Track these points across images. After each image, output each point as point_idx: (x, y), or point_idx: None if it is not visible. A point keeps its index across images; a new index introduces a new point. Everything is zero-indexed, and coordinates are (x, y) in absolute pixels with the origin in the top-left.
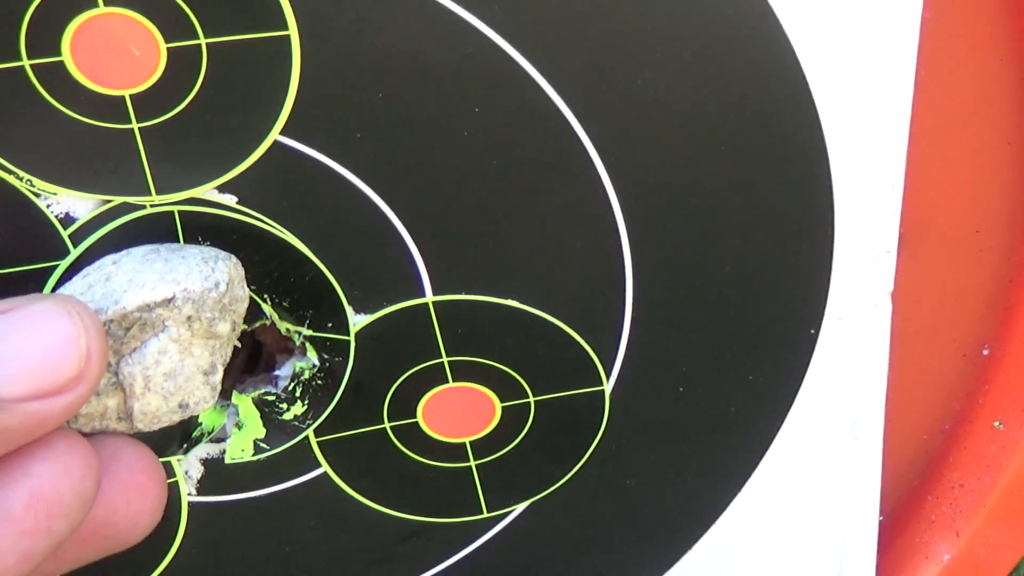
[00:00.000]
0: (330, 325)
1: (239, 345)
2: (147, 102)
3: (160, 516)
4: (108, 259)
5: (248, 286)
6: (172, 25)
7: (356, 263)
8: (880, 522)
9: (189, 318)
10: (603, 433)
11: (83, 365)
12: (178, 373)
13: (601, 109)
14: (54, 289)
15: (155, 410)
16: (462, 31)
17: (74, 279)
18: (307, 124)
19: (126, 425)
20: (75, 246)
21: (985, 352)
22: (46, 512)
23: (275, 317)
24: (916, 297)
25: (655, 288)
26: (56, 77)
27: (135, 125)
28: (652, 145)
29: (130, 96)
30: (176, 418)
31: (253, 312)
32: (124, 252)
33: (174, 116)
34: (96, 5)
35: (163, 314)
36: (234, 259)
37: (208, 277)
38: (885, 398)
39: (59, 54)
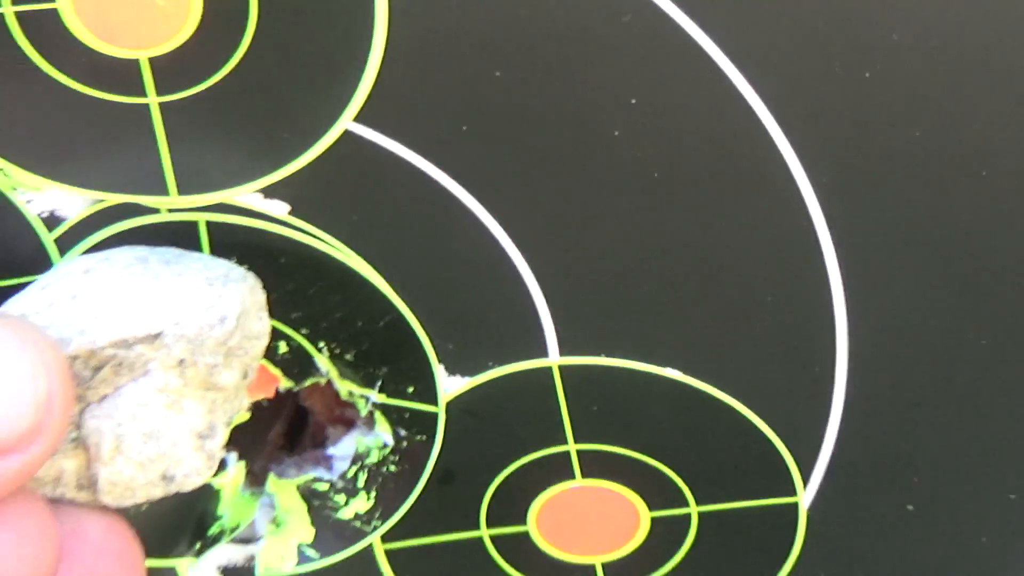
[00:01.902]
0: (411, 390)
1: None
2: (171, 68)
3: None
4: (78, 265)
5: (299, 329)
6: None
7: (451, 306)
8: None
9: (182, 362)
10: (796, 559)
11: (41, 415)
12: (162, 434)
13: (813, 116)
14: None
15: (128, 480)
16: None
17: (31, 289)
18: (391, 108)
19: (87, 495)
20: (61, 255)
21: None
22: None
23: (333, 374)
24: None
25: (875, 372)
26: (48, 30)
27: (152, 99)
28: (890, 186)
29: (148, 60)
30: (157, 493)
31: (302, 365)
32: (102, 256)
33: (207, 89)
34: None
35: (146, 354)
36: (251, 279)
37: (211, 307)
38: None
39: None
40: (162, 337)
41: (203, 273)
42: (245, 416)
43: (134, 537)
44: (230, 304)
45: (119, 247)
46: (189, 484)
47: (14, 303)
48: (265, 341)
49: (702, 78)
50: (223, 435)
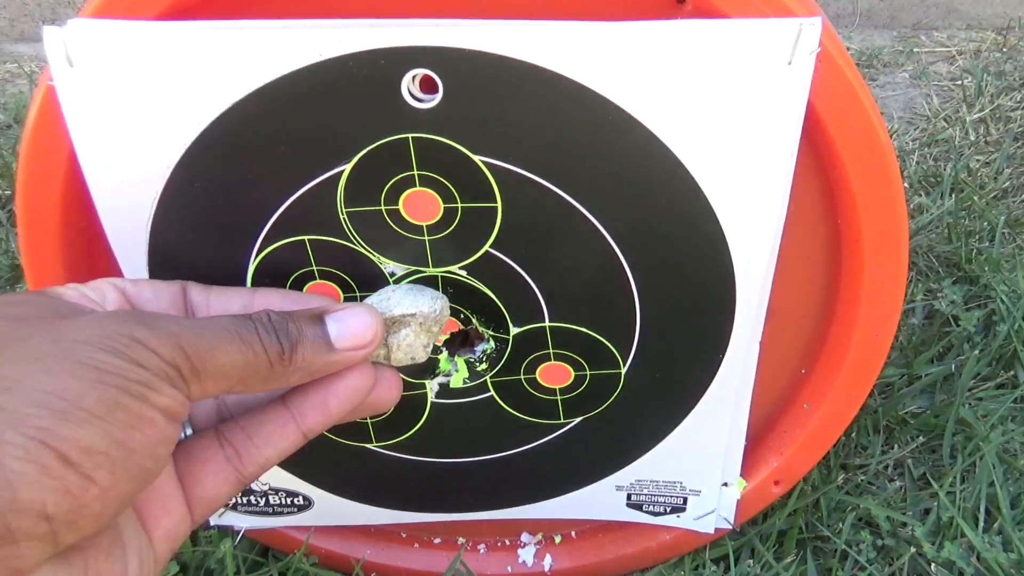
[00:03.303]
0: (501, 330)
1: (458, 331)
2: (433, 230)
3: (395, 403)
4: (389, 288)
5: (467, 310)
6: (449, 198)
7: (515, 302)
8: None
9: (420, 323)
10: (618, 392)
11: (375, 337)
12: (412, 345)
13: (628, 233)
14: (361, 291)
15: (400, 358)
16: (560, 204)
17: (373, 296)
18: (505, 245)
19: (387, 362)
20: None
21: (803, 371)
22: (349, 397)
23: (478, 324)
24: (767, 343)
25: (650, 318)
26: (394, 215)
27: (426, 238)
28: (651, 248)
29: (426, 227)
30: (408, 363)
31: (468, 321)
32: (397, 287)
33: (444, 235)
34: (415, 185)
35: (410, 319)
36: (445, 299)
37: (432, 306)
38: (753, 385)
39: (397, 205)
40: (416, 315)
41: (431, 294)
42: (448, 337)
43: (400, 377)
44: (438, 306)
45: (404, 283)
46: (419, 360)
47: (369, 298)
48: (447, 318)
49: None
50: (431, 345)
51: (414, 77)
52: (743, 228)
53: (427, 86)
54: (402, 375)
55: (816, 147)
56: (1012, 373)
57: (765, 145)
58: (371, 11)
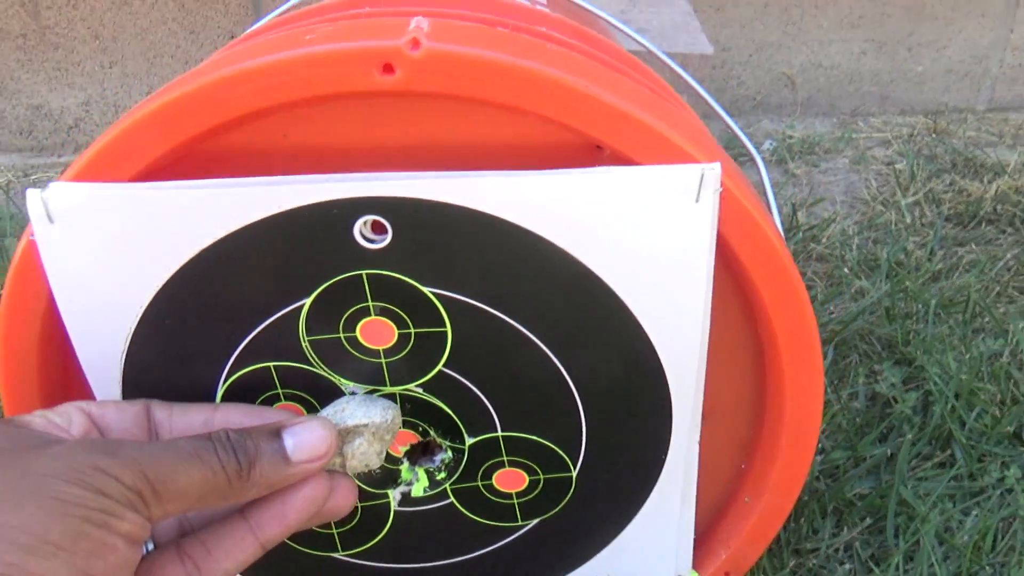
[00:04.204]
0: (457, 440)
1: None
2: (390, 353)
3: (350, 509)
4: (343, 400)
5: (421, 421)
6: (402, 323)
7: (469, 415)
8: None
9: (374, 432)
10: (571, 495)
11: (329, 449)
12: (366, 453)
13: (570, 354)
14: (322, 407)
15: (355, 466)
16: (514, 335)
17: (327, 408)
18: (456, 364)
19: (342, 471)
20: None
21: (743, 466)
22: (306, 507)
23: (435, 435)
24: (705, 444)
25: (594, 430)
26: (352, 341)
27: (383, 360)
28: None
29: (383, 350)
30: (364, 469)
31: (424, 432)
32: (351, 398)
33: (401, 357)
34: (371, 314)
35: (363, 429)
36: (396, 408)
37: (384, 416)
38: (696, 482)
39: (354, 332)
40: (369, 425)
41: (383, 404)
42: (408, 448)
43: (355, 485)
44: (389, 416)
45: (357, 396)
46: (374, 467)
47: (324, 411)
48: (399, 427)
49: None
50: (384, 454)
51: (365, 222)
52: (672, 342)
53: (377, 228)
54: (366, 486)
55: (731, 268)
56: (949, 452)
57: (683, 270)
58: (324, 163)
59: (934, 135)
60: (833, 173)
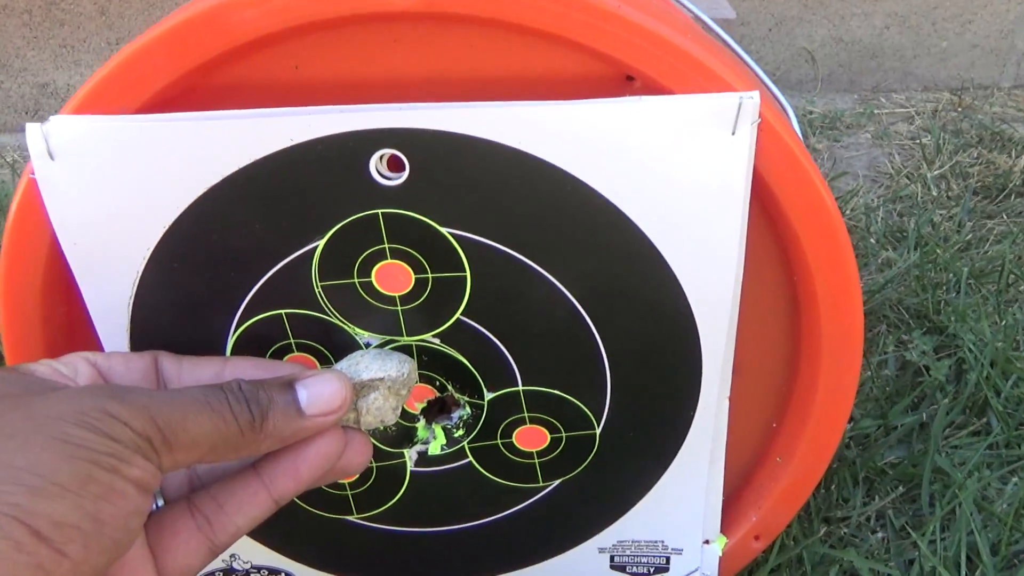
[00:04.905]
0: (476, 396)
1: (434, 397)
2: (406, 299)
3: (365, 467)
4: (357, 353)
5: (442, 377)
6: (420, 269)
7: (489, 369)
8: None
9: (389, 387)
10: (594, 453)
11: (344, 402)
12: (381, 408)
13: (596, 302)
14: (337, 360)
15: (370, 422)
16: (529, 276)
17: (342, 362)
18: (475, 312)
19: (356, 426)
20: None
21: (775, 424)
22: (320, 463)
23: (453, 391)
24: (735, 400)
25: (620, 386)
26: (367, 287)
27: (399, 308)
28: (618, 315)
29: (399, 297)
30: (378, 426)
31: (443, 388)
32: (366, 351)
33: (418, 304)
34: (387, 258)
35: (378, 384)
36: (413, 362)
37: (400, 370)
38: (726, 441)
39: (370, 277)
40: (384, 379)
41: (399, 358)
42: (424, 405)
43: (370, 441)
44: (405, 369)
45: (372, 349)
46: (389, 423)
47: (337, 365)
48: (415, 383)
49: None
50: (400, 409)
51: (381, 157)
52: (703, 288)
53: (394, 165)
54: (381, 444)
55: (767, 210)
56: (985, 420)
57: (716, 209)
58: (337, 98)
59: (959, 111)
60: (855, 148)
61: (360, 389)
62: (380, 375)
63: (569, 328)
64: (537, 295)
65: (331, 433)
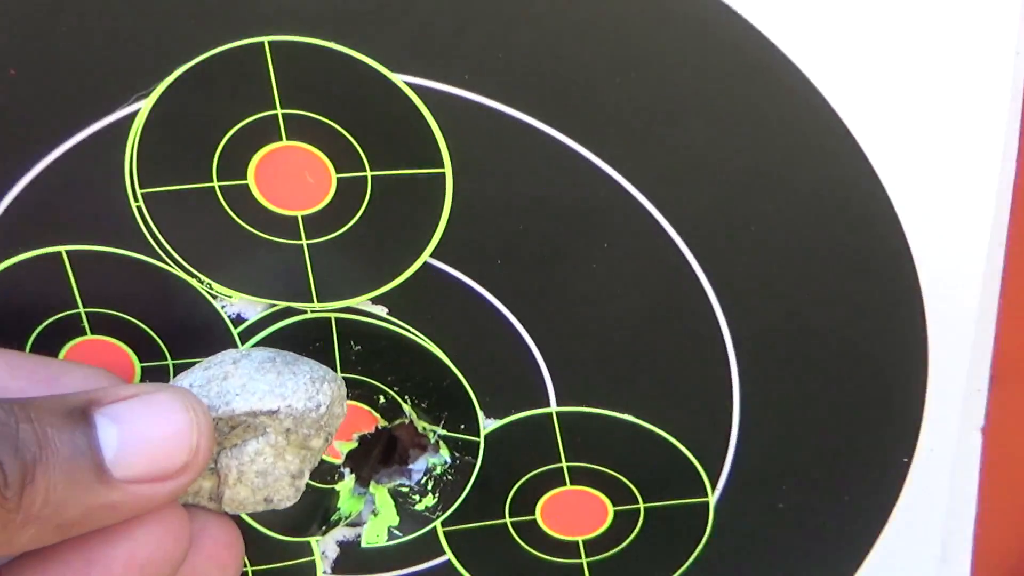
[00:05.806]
0: (462, 427)
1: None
2: (316, 223)
3: None
4: (229, 356)
5: (392, 388)
6: (343, 158)
7: (490, 373)
8: None
9: (288, 430)
10: (706, 542)
11: (191, 457)
12: (269, 473)
13: (717, 251)
14: (180, 364)
15: (242, 499)
16: (594, 177)
17: (195, 369)
18: (455, 250)
19: (214, 505)
20: (243, 343)
21: None
22: (139, 572)
23: (413, 416)
24: (1007, 430)
25: (759, 413)
26: (241, 197)
27: (304, 242)
28: (762, 286)
29: (302, 217)
30: (260, 509)
31: (393, 410)
32: (244, 353)
33: (339, 236)
34: (280, 138)
35: (266, 422)
36: (339, 380)
37: (312, 398)
38: (975, 523)
39: (245, 178)
40: (278, 413)
41: (310, 374)
42: (355, 444)
43: (240, 534)
44: (325, 397)
45: (258, 347)
46: (281, 506)
47: (183, 377)
48: (342, 419)
49: (650, 236)
50: (307, 476)
51: None
52: (940, 238)
53: None
54: (269, 532)
55: None
56: None
57: (975, 91)
58: None
59: None
60: None
61: (228, 431)
62: (271, 405)
63: (673, 295)
64: (600, 224)
65: (161, 519)
